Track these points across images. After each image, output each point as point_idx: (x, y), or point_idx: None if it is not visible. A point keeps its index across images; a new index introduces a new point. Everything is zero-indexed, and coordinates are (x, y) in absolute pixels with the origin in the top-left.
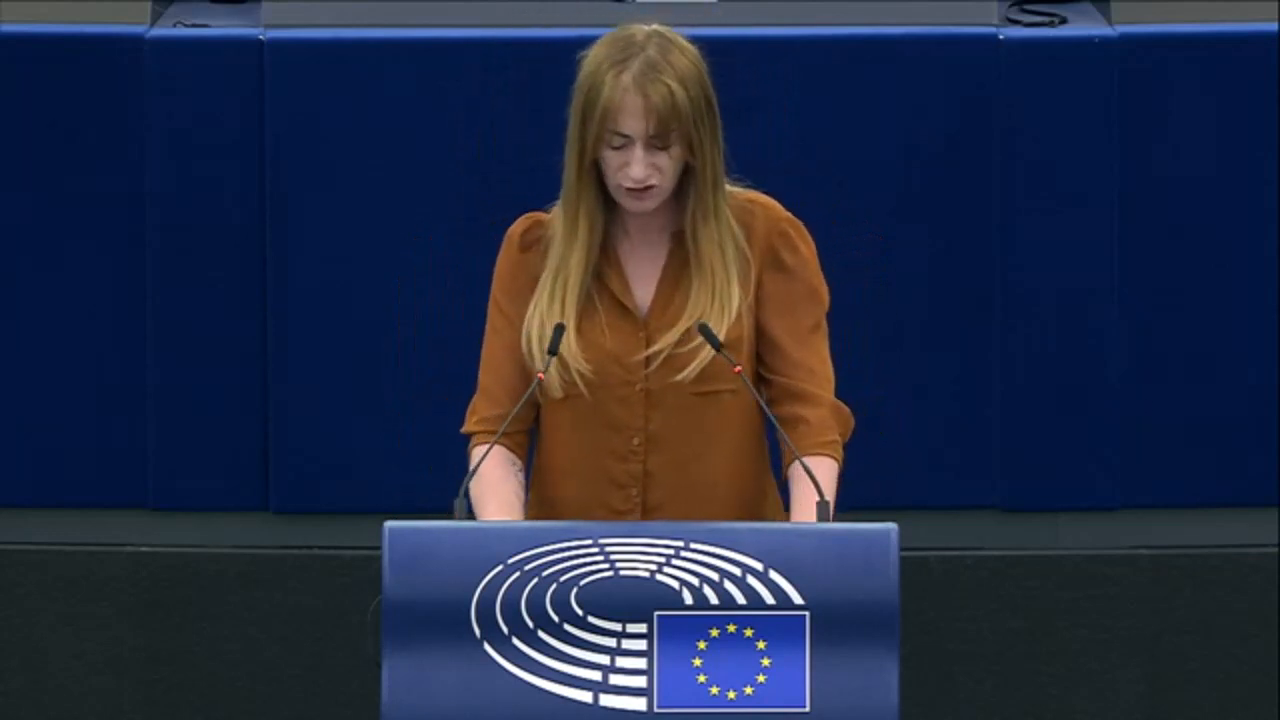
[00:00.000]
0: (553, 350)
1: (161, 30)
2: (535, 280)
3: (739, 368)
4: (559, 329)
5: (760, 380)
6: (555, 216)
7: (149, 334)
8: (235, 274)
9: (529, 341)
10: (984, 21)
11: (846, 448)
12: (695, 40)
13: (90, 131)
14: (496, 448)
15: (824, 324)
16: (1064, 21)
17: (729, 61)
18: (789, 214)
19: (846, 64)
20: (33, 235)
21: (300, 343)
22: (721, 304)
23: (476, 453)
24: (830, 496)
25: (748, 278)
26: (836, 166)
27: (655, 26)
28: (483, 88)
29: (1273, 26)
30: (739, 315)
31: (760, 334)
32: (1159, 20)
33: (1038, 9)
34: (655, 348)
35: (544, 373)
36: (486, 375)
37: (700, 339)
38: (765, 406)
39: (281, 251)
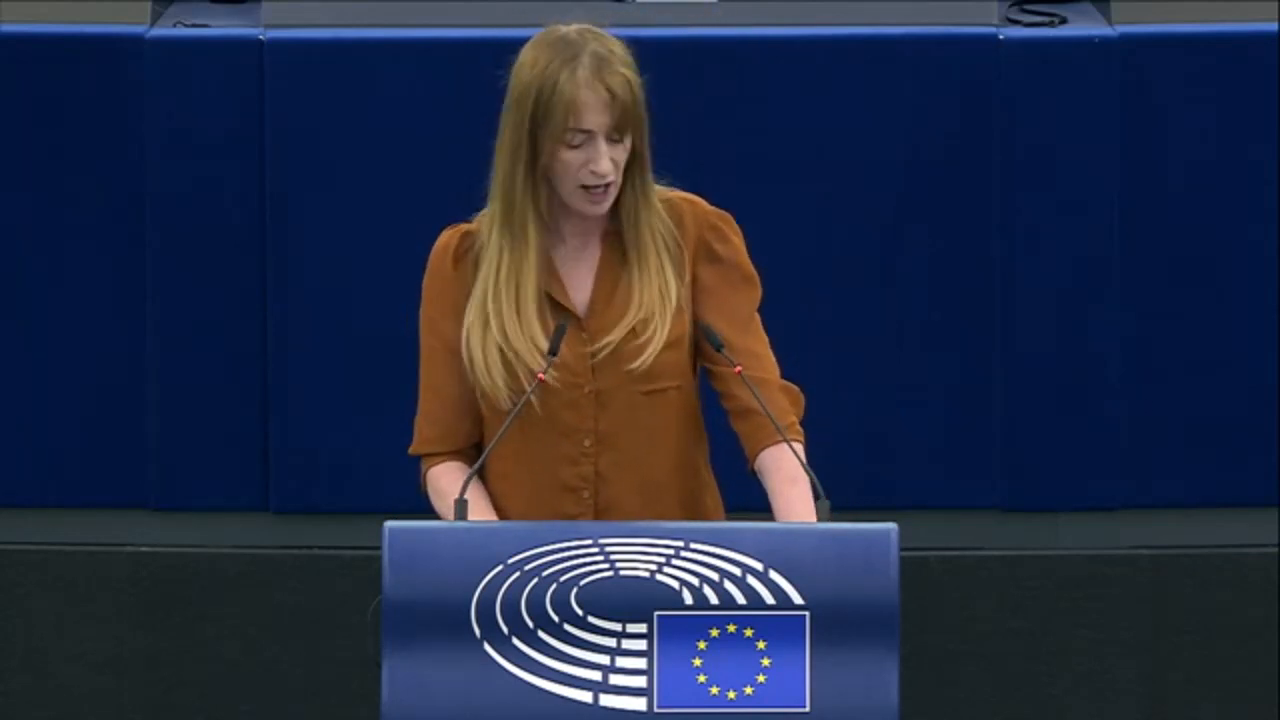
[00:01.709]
0: (553, 351)
1: (161, 30)
2: (468, 295)
3: (739, 367)
4: (560, 329)
5: (706, 372)
6: (482, 227)
7: (149, 334)
8: (235, 274)
9: (493, 356)
10: (984, 21)
11: (845, 444)
12: (695, 40)
13: (90, 131)
14: (455, 464)
15: (758, 313)
16: (1064, 21)
17: (729, 61)
18: (717, 209)
19: (846, 64)
20: (33, 235)
21: (300, 343)
22: (662, 292)
23: (433, 474)
24: (807, 493)
25: (681, 265)
26: (837, 166)
27: (581, 25)
28: (483, 88)
29: (1273, 26)
30: (680, 309)
31: (702, 323)
32: (1159, 20)
33: (1038, 9)
34: (601, 344)
35: (545, 374)
36: (429, 398)
37: (644, 333)
38: (758, 393)
39: (281, 251)
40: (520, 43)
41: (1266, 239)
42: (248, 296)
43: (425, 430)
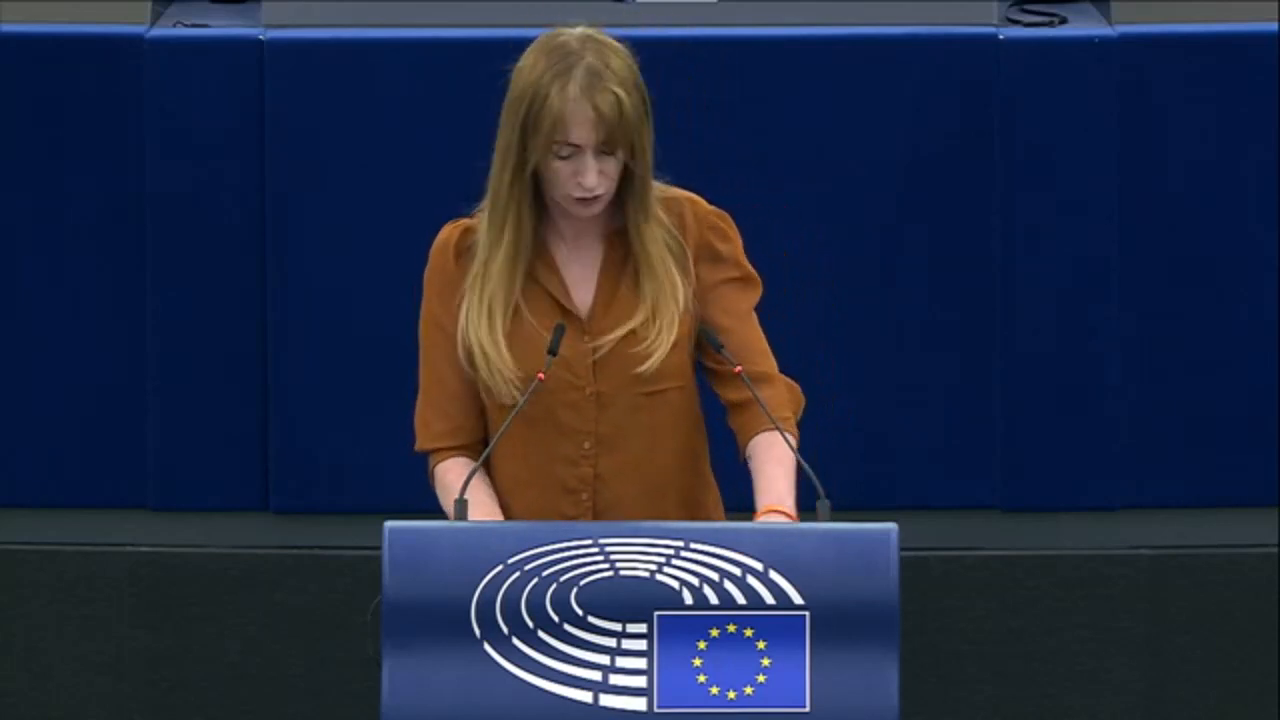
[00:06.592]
0: (553, 351)
1: (161, 30)
2: None
3: (739, 368)
4: (559, 329)
5: (704, 370)
6: (480, 223)
7: (149, 334)
8: (235, 274)
9: (473, 353)
10: (984, 21)
11: (845, 444)
12: (695, 40)
13: (90, 131)
14: (464, 459)
15: (755, 311)
16: (1064, 21)
17: (729, 61)
18: (715, 208)
19: (846, 64)
20: (33, 235)
21: (300, 343)
22: (674, 297)
23: (441, 469)
24: (791, 476)
25: (686, 266)
26: (837, 166)
27: (585, 30)
28: (482, 88)
29: (1273, 26)
30: (686, 310)
31: (702, 323)
32: (1159, 20)
33: (1038, 9)
34: (599, 342)
35: (545, 374)
36: (432, 389)
37: (651, 336)
38: (757, 393)
39: (281, 251)
40: (520, 42)
41: (1266, 239)
42: (247, 296)
43: (433, 425)
